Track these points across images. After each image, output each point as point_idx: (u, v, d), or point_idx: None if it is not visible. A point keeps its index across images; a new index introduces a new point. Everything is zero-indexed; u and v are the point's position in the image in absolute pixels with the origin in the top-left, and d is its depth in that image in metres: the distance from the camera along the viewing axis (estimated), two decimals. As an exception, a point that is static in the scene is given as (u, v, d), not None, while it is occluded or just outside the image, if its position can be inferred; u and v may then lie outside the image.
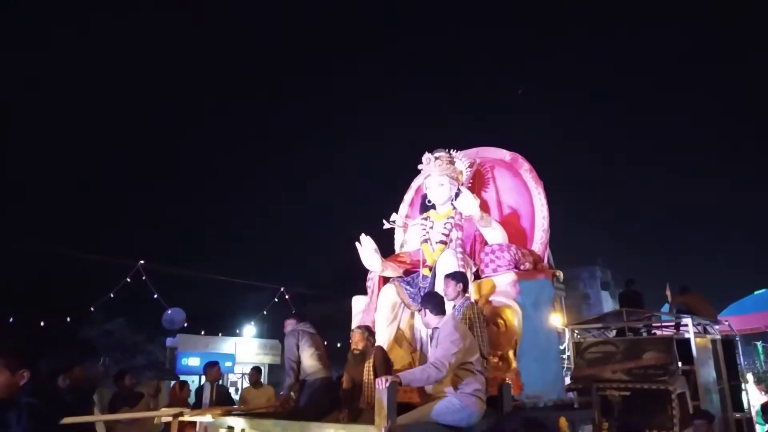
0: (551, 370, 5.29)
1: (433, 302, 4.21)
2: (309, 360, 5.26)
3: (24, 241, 15.86)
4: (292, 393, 5.46)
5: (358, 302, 5.85)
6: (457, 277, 4.75)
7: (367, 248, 5.27)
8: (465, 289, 4.75)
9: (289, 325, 5.66)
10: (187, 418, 4.54)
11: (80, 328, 16.18)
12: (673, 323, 7.99)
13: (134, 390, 6.49)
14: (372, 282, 5.64)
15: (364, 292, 5.80)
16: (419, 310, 4.32)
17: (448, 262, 5.14)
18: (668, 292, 9.66)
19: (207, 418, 4.38)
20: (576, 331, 8.36)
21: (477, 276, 5.31)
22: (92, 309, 16.47)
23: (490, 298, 5.03)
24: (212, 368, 7.20)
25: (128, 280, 16.97)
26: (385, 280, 5.57)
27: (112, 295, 16.92)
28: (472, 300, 4.80)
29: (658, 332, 8.09)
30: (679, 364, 6.88)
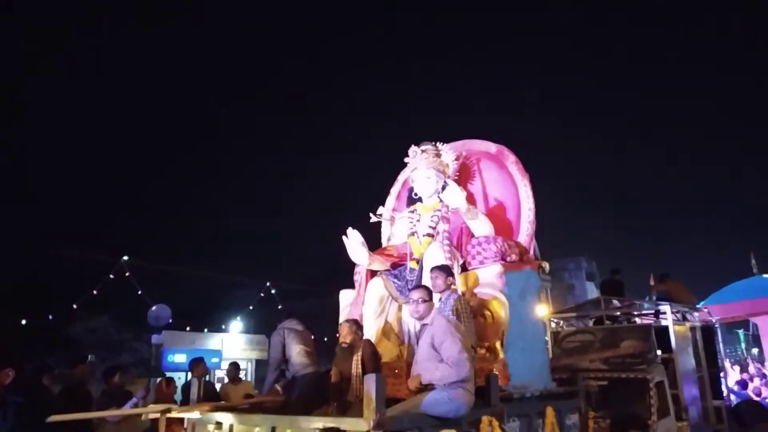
0: (538, 360, 5.35)
1: (425, 294, 4.22)
2: (297, 356, 5.31)
3: (4, 239, 15.64)
4: (278, 387, 5.51)
5: (345, 296, 5.86)
6: (446, 269, 4.81)
7: (353, 242, 5.29)
8: (452, 282, 4.82)
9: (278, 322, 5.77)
10: (174, 414, 4.52)
11: (63, 326, 16.02)
12: (652, 311, 8.10)
13: (123, 388, 6.51)
14: (359, 275, 5.66)
15: (351, 286, 5.82)
16: (407, 303, 4.32)
17: (435, 254, 5.17)
18: (652, 282, 9.79)
19: (195, 414, 4.37)
20: (554, 321, 8.45)
21: (464, 268, 5.36)
22: (75, 306, 16.32)
23: (477, 290, 5.08)
24: (198, 364, 7.23)
25: (111, 276, 16.84)
26: (372, 274, 5.59)
27: (95, 292, 16.79)
28: (459, 292, 4.85)
29: (638, 320, 8.20)
30: (658, 352, 6.98)
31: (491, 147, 6.55)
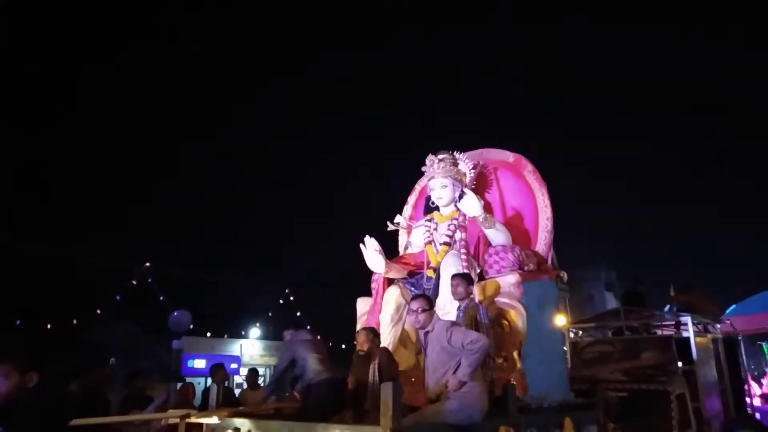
0: (556, 371, 5.32)
1: (424, 303, 4.19)
2: (312, 364, 5.38)
3: (30, 243, 15.99)
4: (296, 393, 5.57)
5: (362, 304, 5.90)
6: (467, 277, 4.84)
7: (370, 249, 5.33)
8: (471, 291, 4.84)
9: (287, 335, 5.85)
10: (194, 419, 4.58)
11: (86, 330, 16.30)
12: (672, 323, 7.99)
13: (144, 393, 6.62)
14: (377, 283, 5.69)
15: (368, 293, 5.86)
16: (411, 313, 4.31)
17: (452, 263, 5.22)
18: (673, 293, 9.63)
19: (213, 419, 4.43)
20: (573, 331, 8.38)
21: (481, 277, 5.37)
22: (98, 311, 16.61)
23: (494, 299, 5.09)
24: (218, 370, 7.33)
25: (134, 282, 17.14)
26: (389, 282, 5.63)
27: (118, 298, 17.09)
28: (477, 300, 4.86)
29: (658, 332, 8.10)
30: (679, 364, 6.88)
31: (508, 156, 6.58)
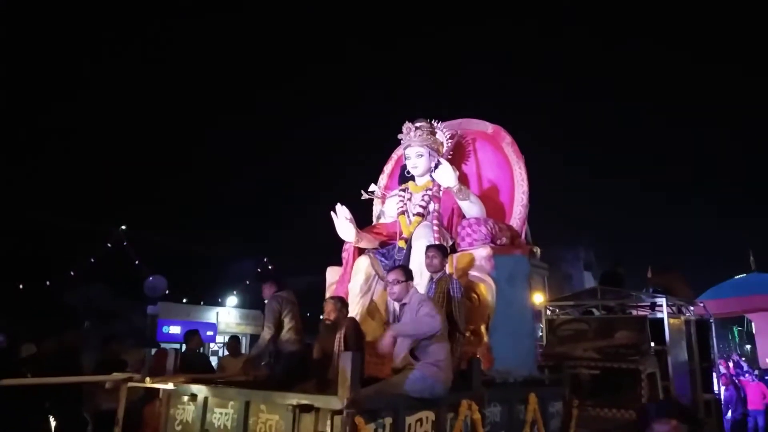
0: (524, 346, 5.22)
1: (400, 275, 4.08)
2: (287, 332, 5.21)
3: (4, 206, 15.59)
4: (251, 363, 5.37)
5: (332, 273, 5.73)
6: (443, 249, 4.71)
7: (341, 218, 5.17)
8: (445, 263, 4.71)
9: (268, 288, 5.53)
10: (149, 384, 4.42)
11: (60, 293, 16.06)
12: (648, 303, 8.03)
13: (119, 357, 6.48)
14: (347, 253, 5.53)
15: (340, 263, 5.69)
16: (387, 285, 4.20)
17: (424, 234, 5.06)
18: (650, 274, 9.67)
19: (169, 385, 4.28)
20: (550, 309, 8.39)
21: (453, 250, 5.22)
22: (72, 274, 16.34)
23: (465, 272, 4.96)
24: (193, 336, 7.18)
25: (109, 245, 16.85)
26: (360, 252, 5.47)
27: (92, 261, 16.80)
28: (447, 273, 4.75)
29: (633, 312, 8.13)
30: (652, 344, 6.95)
31: (488, 127, 6.34)
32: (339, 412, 3.08)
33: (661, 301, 7.57)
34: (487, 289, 4.75)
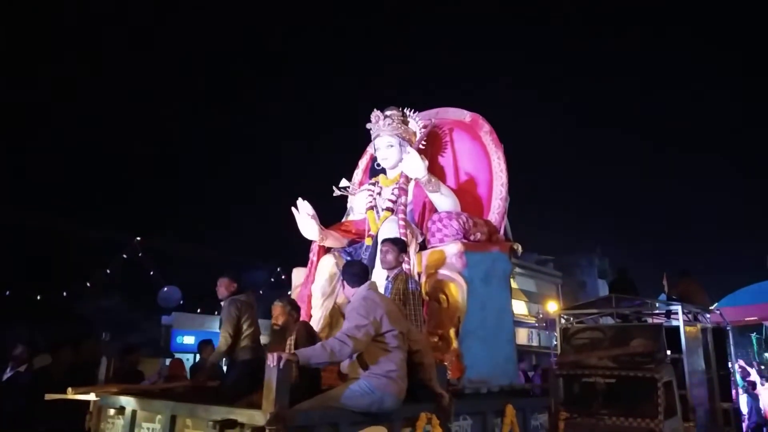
0: (502, 353, 4.70)
1: (350, 272, 3.64)
2: (244, 339, 4.70)
3: (22, 214, 15.83)
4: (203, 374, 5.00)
5: (297, 274, 5.34)
6: (400, 243, 4.35)
7: (303, 214, 4.79)
8: (405, 259, 4.34)
9: (225, 286, 4.88)
10: (70, 396, 4.07)
11: (76, 303, 16.25)
12: (663, 311, 7.99)
13: (136, 367, 6.55)
14: (312, 253, 5.13)
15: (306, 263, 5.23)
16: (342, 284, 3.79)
17: (390, 230, 4.68)
18: (665, 282, 9.63)
19: (91, 396, 3.98)
20: (564, 317, 8.36)
21: (423, 247, 4.80)
22: (88, 284, 16.52)
23: (434, 271, 4.52)
24: (207, 346, 7.22)
25: (125, 256, 17.03)
26: (327, 251, 5.13)
27: (108, 271, 16.99)
28: (405, 270, 4.35)
29: (649, 320, 8.09)
30: (668, 352, 6.90)
31: (465, 115, 5.90)
32: (261, 429, 2.70)
33: (677, 308, 7.52)
34: (457, 289, 4.34)
